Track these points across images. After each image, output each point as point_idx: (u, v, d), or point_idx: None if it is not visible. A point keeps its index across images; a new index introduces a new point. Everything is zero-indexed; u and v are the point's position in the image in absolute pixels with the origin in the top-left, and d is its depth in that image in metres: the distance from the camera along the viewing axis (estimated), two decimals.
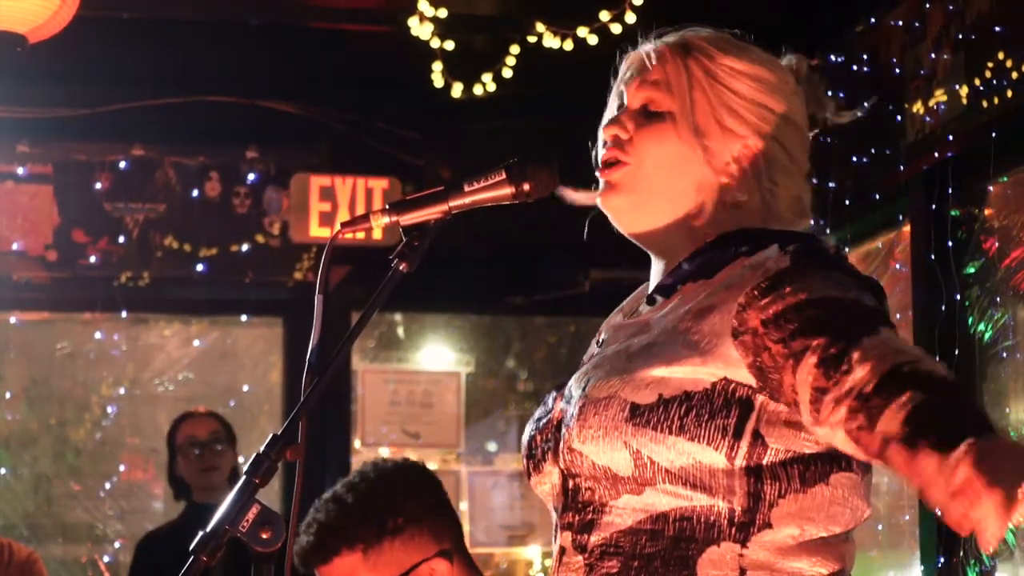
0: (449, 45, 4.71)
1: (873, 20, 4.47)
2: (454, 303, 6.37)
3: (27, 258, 5.79)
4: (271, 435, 1.70)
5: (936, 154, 4.07)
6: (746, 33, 1.96)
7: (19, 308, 6.20)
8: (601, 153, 1.94)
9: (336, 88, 5.67)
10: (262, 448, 1.68)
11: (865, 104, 2.08)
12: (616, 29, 4.44)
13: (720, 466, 1.73)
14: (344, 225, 1.88)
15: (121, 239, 5.84)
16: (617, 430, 1.74)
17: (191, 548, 1.64)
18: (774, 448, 1.74)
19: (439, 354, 6.55)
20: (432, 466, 2.86)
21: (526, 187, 1.84)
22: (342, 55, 5.29)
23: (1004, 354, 3.98)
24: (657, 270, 1.94)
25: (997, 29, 3.82)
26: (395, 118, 5.80)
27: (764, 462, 1.74)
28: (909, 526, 4.29)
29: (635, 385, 1.76)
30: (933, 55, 4.12)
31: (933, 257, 4.09)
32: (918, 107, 4.19)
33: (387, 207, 1.84)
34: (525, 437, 1.92)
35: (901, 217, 4.39)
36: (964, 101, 3.96)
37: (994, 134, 3.84)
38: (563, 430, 1.82)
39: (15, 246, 5.77)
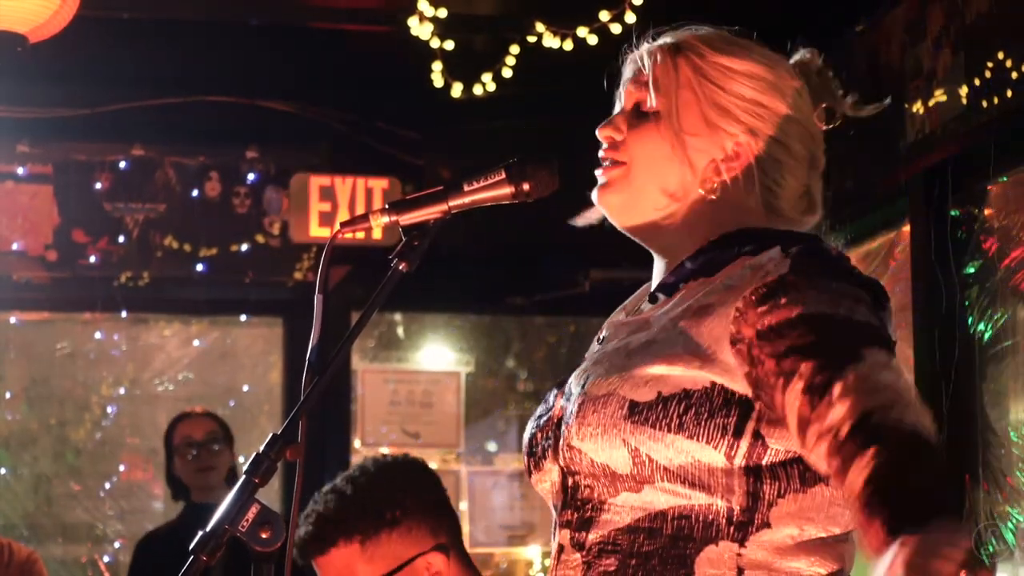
0: (449, 45, 4.71)
1: (873, 20, 4.47)
2: (454, 303, 6.37)
3: (27, 258, 5.79)
4: (271, 435, 1.70)
5: (936, 154, 4.07)
6: (747, 31, 1.96)
7: (19, 308, 6.20)
8: (600, 155, 1.95)
9: (336, 88, 5.67)
10: (262, 448, 1.69)
11: (886, 100, 2.07)
12: (616, 29, 4.44)
13: (719, 465, 1.73)
14: (344, 225, 1.88)
15: (121, 239, 5.84)
16: (616, 427, 1.75)
17: (191, 548, 1.64)
18: (774, 448, 1.74)
19: (439, 354, 6.55)
20: (432, 466, 2.87)
21: (526, 187, 1.84)
22: (342, 55, 5.29)
23: (1004, 354, 3.98)
24: (659, 268, 1.95)
25: (997, 29, 3.82)
26: (395, 118, 5.80)
27: (764, 462, 1.73)
28: None
29: (634, 382, 1.76)
30: (933, 55, 4.12)
31: (933, 257, 4.09)
32: (918, 107, 4.19)
33: (387, 207, 1.84)
34: (526, 435, 1.93)
35: (901, 217, 4.39)
36: (964, 101, 3.96)
37: (994, 134, 3.84)
38: (563, 428, 1.82)
39: (15, 246, 5.77)
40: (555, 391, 1.91)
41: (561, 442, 1.82)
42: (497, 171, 1.85)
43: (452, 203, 1.84)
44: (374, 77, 5.49)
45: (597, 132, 1.95)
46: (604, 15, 4.48)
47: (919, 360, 4.14)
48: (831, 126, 1.97)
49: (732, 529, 1.74)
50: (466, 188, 1.85)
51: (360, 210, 5.68)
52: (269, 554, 1.67)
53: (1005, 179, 4.00)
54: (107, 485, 6.48)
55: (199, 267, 5.88)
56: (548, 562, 1.89)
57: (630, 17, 4.41)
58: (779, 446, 1.74)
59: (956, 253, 4.06)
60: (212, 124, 5.77)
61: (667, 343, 1.77)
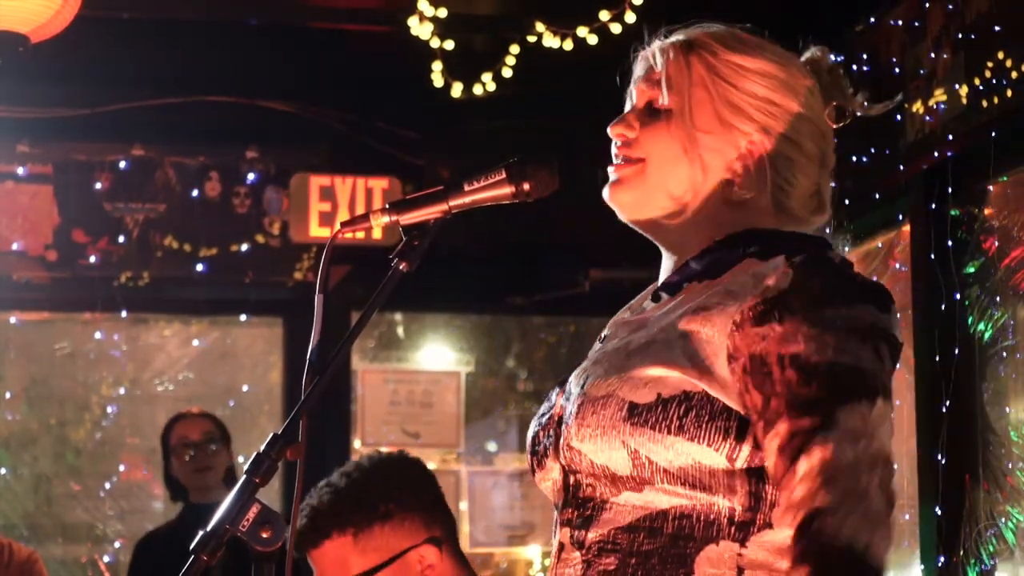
0: (449, 45, 4.71)
1: (873, 20, 4.47)
2: (454, 303, 6.37)
3: (27, 258, 5.79)
4: (271, 434, 1.70)
5: (936, 154, 4.07)
6: (758, 29, 1.95)
7: (19, 308, 6.20)
8: (612, 152, 1.94)
9: (336, 88, 5.67)
10: (262, 447, 1.69)
11: (897, 98, 2.07)
12: (616, 29, 4.44)
13: (720, 467, 1.73)
14: (344, 225, 1.88)
15: (121, 239, 5.84)
16: (615, 429, 1.74)
17: (192, 547, 1.64)
18: None
19: (439, 354, 6.55)
20: (432, 466, 2.89)
21: (526, 187, 1.84)
22: (342, 55, 5.29)
23: (1004, 354, 3.98)
24: (667, 266, 1.94)
25: (997, 29, 3.82)
26: (395, 118, 5.80)
27: (766, 464, 1.73)
28: (909, 526, 4.29)
29: (633, 384, 1.76)
30: (933, 55, 4.12)
31: (933, 257, 4.09)
32: (918, 107, 4.19)
33: (387, 207, 1.84)
34: (529, 433, 1.93)
35: (901, 217, 4.39)
36: (964, 101, 3.96)
37: (994, 134, 3.84)
38: (563, 427, 1.82)
39: (15, 246, 5.77)
40: (557, 390, 1.91)
41: (561, 441, 1.82)
42: (497, 171, 1.85)
43: (452, 203, 1.84)
44: (374, 77, 5.49)
45: (609, 129, 1.94)
46: (604, 15, 4.48)
47: (919, 360, 4.14)
48: (841, 125, 1.97)
49: (733, 529, 1.73)
50: (466, 188, 1.85)
51: (360, 210, 5.68)
52: (270, 554, 1.67)
53: (1005, 179, 4.00)
54: (107, 485, 6.48)
55: (199, 267, 5.88)
56: (548, 561, 1.88)
57: (630, 17, 4.41)
58: None
59: (956, 253, 4.06)
60: (212, 124, 5.77)
61: (666, 345, 1.77)
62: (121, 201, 5.86)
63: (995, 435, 3.98)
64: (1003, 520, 3.91)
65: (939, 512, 3.99)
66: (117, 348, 6.48)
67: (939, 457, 4.00)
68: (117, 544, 6.41)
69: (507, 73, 4.88)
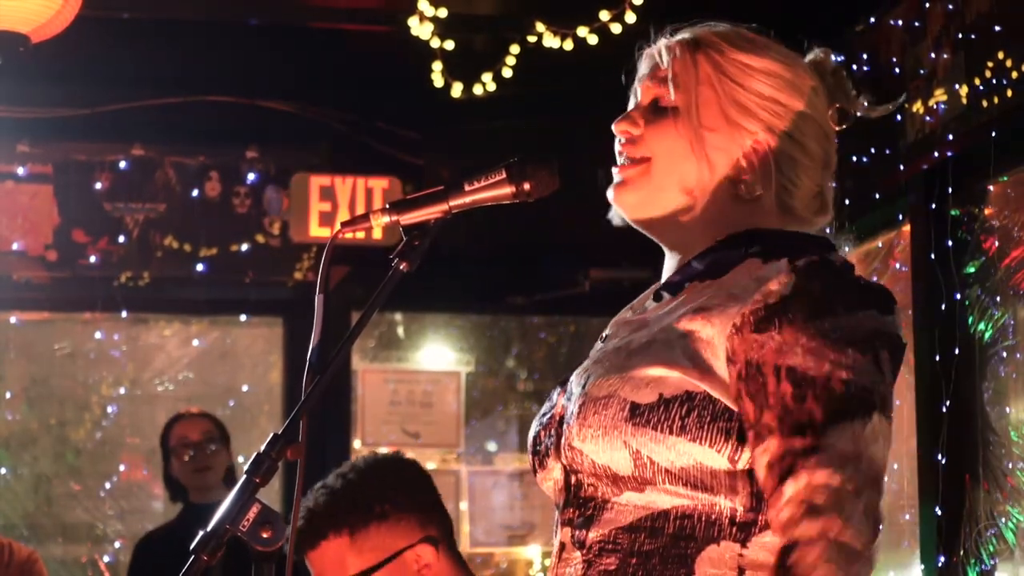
0: (449, 45, 4.71)
1: (873, 20, 4.47)
2: (454, 303, 6.37)
3: (27, 258, 5.79)
4: (272, 434, 1.70)
5: (936, 154, 4.07)
6: (764, 28, 1.95)
7: (19, 308, 6.20)
8: (616, 149, 1.94)
9: (336, 88, 5.67)
10: (263, 447, 1.69)
11: (901, 99, 2.08)
12: (616, 29, 4.44)
13: (722, 467, 1.73)
14: (344, 225, 1.87)
15: (121, 239, 5.84)
16: (617, 430, 1.74)
17: (192, 547, 1.64)
18: None
19: (439, 354, 6.55)
20: (432, 466, 2.89)
21: (526, 186, 1.84)
22: (342, 55, 5.29)
23: (1004, 354, 3.98)
24: (669, 265, 1.94)
25: (997, 29, 3.82)
26: (395, 118, 5.80)
27: (756, 474, 1.73)
28: (909, 526, 4.29)
29: (635, 384, 1.75)
30: (933, 55, 4.12)
31: (933, 257, 4.09)
32: (918, 107, 4.19)
33: (387, 206, 1.84)
34: (531, 433, 1.93)
35: (901, 217, 4.39)
36: (964, 101, 3.96)
37: (994, 134, 3.84)
38: (564, 427, 1.82)
39: (15, 246, 5.77)
40: (558, 389, 1.91)
41: (563, 441, 1.81)
42: (498, 171, 1.85)
43: (453, 203, 1.84)
44: (374, 77, 5.49)
45: (613, 126, 1.94)
46: (604, 15, 4.48)
47: (919, 360, 4.14)
48: (844, 126, 1.97)
49: (735, 529, 1.73)
50: (467, 188, 1.85)
51: (360, 210, 5.68)
52: (270, 554, 1.67)
53: (1005, 179, 4.00)
54: (107, 485, 6.48)
55: (199, 267, 5.88)
56: (548, 561, 1.88)
57: (630, 17, 4.40)
58: None
59: (956, 253, 4.06)
60: (212, 124, 5.77)
61: (667, 345, 1.77)
62: (121, 201, 5.86)
63: (995, 435, 3.98)
64: (1003, 520, 3.91)
65: (939, 512, 3.99)
66: (117, 348, 6.48)
67: (939, 457, 4.00)
68: (117, 544, 6.41)
69: (507, 73, 4.88)
